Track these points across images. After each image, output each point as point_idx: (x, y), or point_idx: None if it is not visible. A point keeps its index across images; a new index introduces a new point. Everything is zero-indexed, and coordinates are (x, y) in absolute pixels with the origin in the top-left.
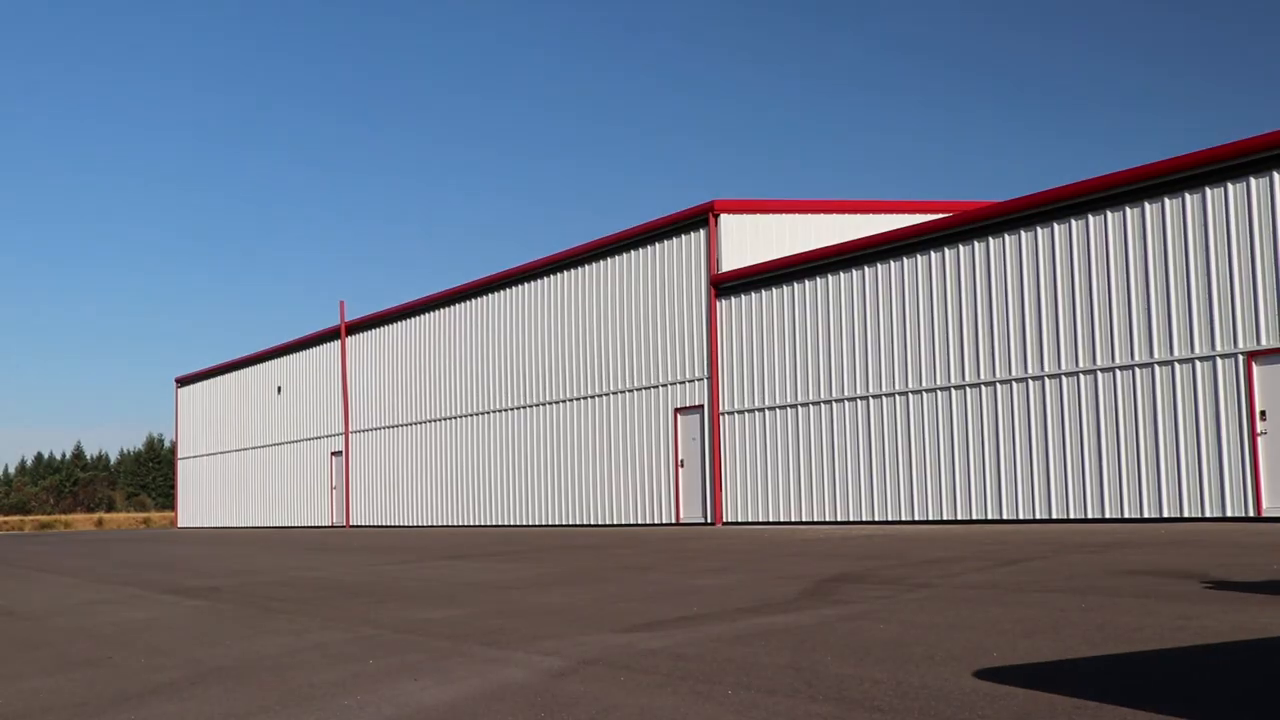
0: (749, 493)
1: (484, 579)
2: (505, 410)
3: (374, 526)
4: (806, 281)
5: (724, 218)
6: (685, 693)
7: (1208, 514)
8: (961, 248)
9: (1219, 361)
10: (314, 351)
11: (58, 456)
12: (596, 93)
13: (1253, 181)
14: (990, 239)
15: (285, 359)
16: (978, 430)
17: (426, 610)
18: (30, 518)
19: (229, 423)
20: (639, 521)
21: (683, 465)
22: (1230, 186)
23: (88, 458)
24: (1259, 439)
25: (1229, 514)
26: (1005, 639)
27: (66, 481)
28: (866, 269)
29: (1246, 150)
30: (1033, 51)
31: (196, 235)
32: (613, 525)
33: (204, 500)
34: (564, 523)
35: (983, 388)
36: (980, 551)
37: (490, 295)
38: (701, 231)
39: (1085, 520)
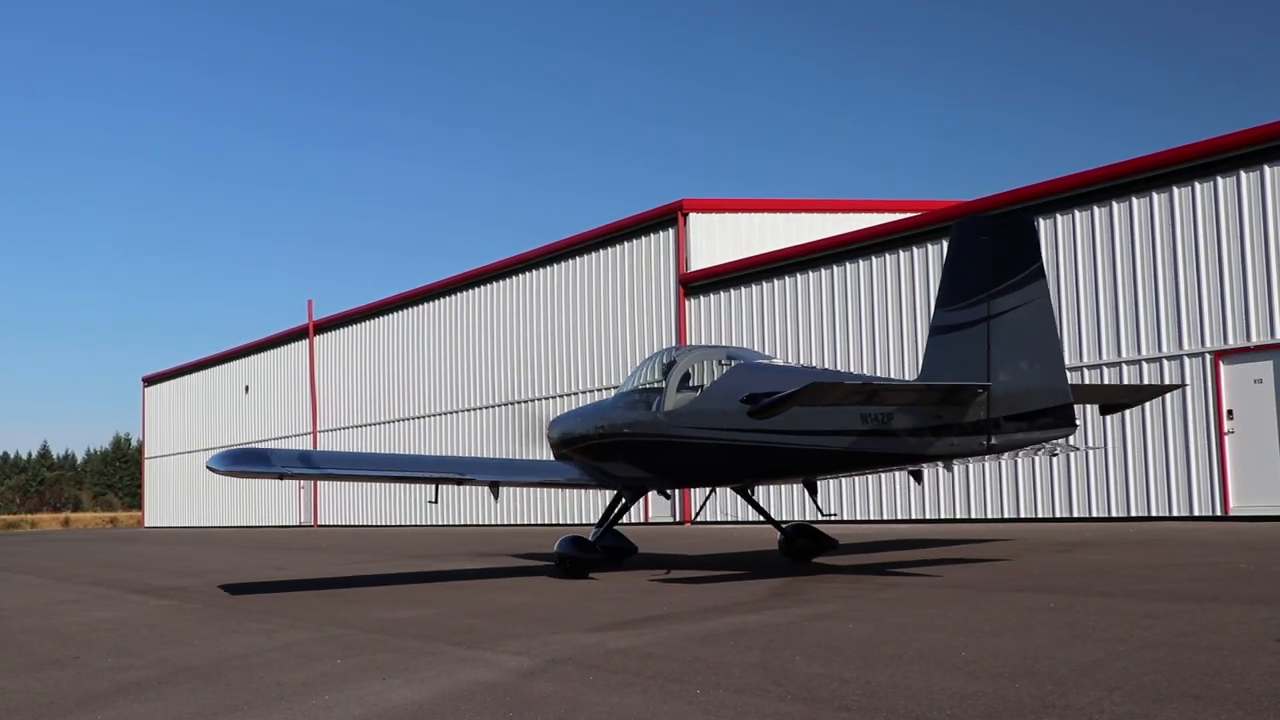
0: (718, 491)
1: (453, 578)
2: (474, 409)
3: (343, 526)
4: (775, 280)
5: (692, 217)
6: (654, 692)
7: (1175, 513)
8: (930, 246)
9: (1186, 361)
10: (282, 350)
11: (24, 456)
12: (567, 90)
13: (1220, 181)
14: None
15: (253, 358)
16: None
17: (395, 610)
18: None
19: (196, 422)
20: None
21: None
22: (1198, 185)
23: (54, 457)
24: (1226, 438)
25: (1196, 513)
26: (974, 638)
27: (33, 481)
28: (835, 268)
29: (1215, 149)
30: (1009, 48)
31: (163, 233)
32: (582, 524)
33: (171, 500)
34: (534, 522)
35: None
36: (948, 550)
37: (459, 294)
38: (670, 231)
39: (1053, 520)
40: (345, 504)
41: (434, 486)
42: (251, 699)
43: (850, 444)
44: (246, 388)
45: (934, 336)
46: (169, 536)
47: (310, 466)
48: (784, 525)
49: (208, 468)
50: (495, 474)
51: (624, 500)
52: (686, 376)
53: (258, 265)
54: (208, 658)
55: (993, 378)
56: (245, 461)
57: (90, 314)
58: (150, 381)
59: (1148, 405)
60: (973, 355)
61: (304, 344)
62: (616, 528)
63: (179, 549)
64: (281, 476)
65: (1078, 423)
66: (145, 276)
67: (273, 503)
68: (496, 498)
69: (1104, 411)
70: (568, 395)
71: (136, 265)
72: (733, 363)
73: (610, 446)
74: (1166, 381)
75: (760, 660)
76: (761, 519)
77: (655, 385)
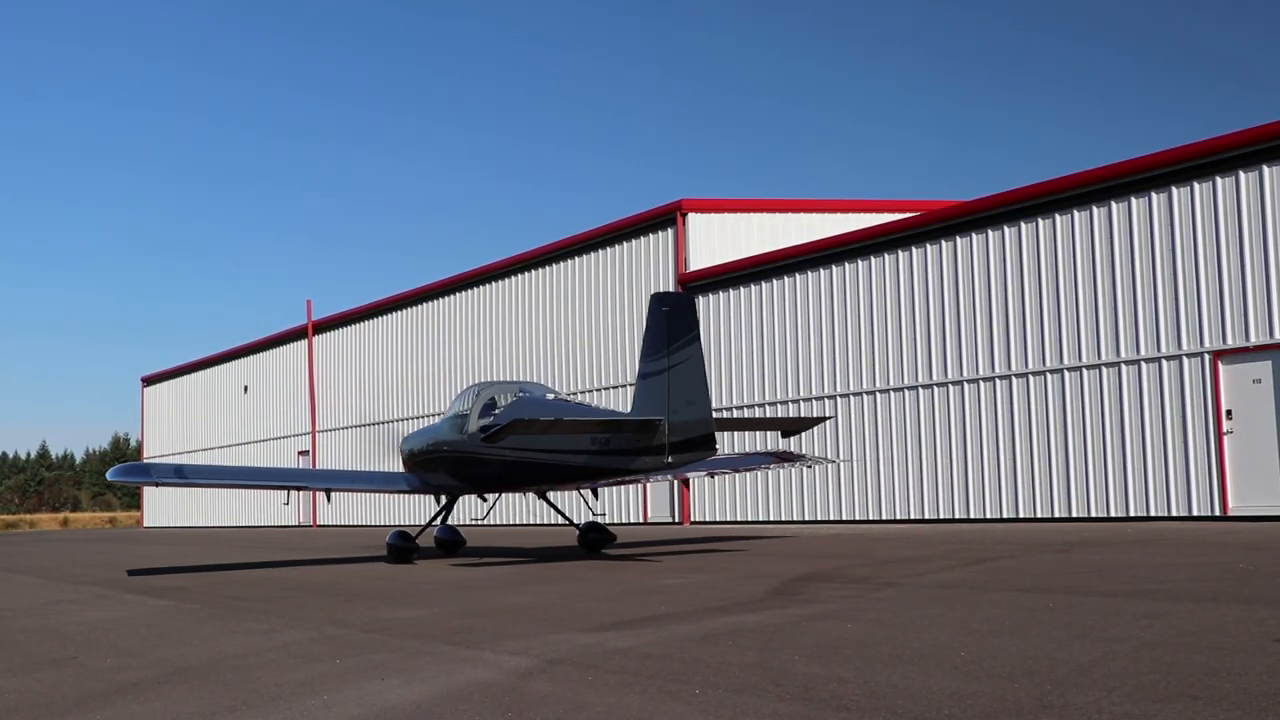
0: (716, 492)
1: (451, 578)
2: None
3: (342, 526)
4: (774, 280)
5: (692, 217)
6: (653, 692)
7: (1174, 513)
8: (929, 247)
9: (1185, 361)
10: (281, 350)
11: (22, 456)
12: (567, 90)
13: (1219, 181)
14: (958, 238)
15: (252, 358)
16: (944, 430)
17: (393, 610)
18: None
19: (195, 422)
20: (606, 521)
21: None
22: (1196, 186)
23: (53, 457)
24: (1225, 438)
25: (1195, 513)
26: (973, 638)
27: (31, 481)
28: (834, 268)
29: (1215, 149)
30: (1009, 48)
31: (163, 233)
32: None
33: (170, 500)
34: (532, 522)
35: (950, 387)
36: (947, 551)
37: (458, 294)
38: (669, 231)
39: (1052, 520)
40: (344, 506)
41: (286, 491)
42: (250, 699)
43: (585, 460)
44: (245, 388)
45: (639, 380)
46: (168, 536)
47: (181, 477)
48: (580, 524)
49: (107, 477)
50: (330, 482)
51: (445, 502)
52: (489, 404)
53: (257, 265)
54: (206, 658)
55: (670, 413)
56: (130, 473)
57: (90, 314)
58: (149, 381)
59: (1146, 405)
60: (659, 396)
61: (303, 344)
62: (453, 524)
63: (177, 549)
64: (158, 485)
65: (718, 447)
66: (145, 276)
67: (271, 503)
68: (329, 501)
69: (784, 435)
70: (568, 395)
71: (136, 265)
72: (522, 395)
73: (435, 460)
74: (1165, 383)
75: (759, 660)
76: (564, 521)
77: (467, 412)
